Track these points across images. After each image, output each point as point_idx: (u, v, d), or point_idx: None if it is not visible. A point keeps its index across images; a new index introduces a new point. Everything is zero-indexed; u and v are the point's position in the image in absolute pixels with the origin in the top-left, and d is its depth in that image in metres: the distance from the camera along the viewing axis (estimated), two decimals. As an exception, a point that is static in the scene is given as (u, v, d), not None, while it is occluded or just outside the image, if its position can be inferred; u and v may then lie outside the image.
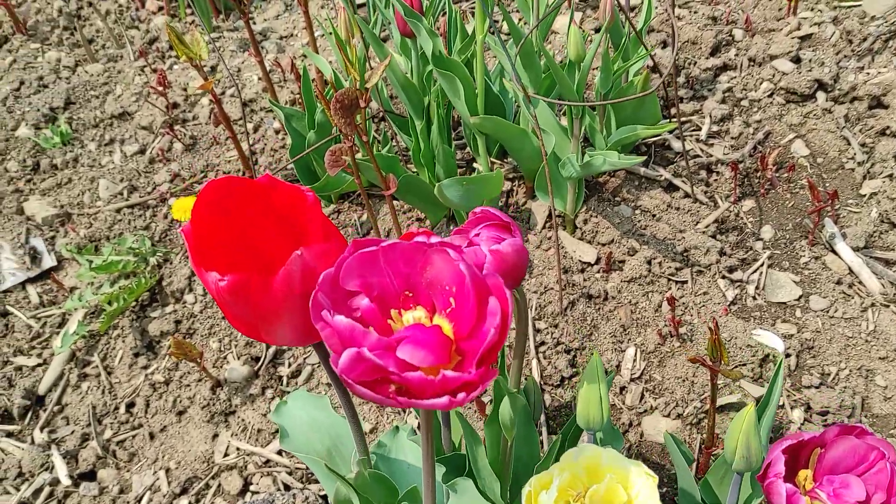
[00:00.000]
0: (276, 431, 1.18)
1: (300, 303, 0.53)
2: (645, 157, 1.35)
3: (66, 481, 1.20)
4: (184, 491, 1.16)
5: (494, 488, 0.70)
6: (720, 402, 1.07)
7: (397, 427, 0.90)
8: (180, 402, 1.23)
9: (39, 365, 1.33)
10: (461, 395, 0.40)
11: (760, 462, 0.68)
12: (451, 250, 0.43)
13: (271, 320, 0.52)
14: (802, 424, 1.05)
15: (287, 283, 0.49)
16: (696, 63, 1.50)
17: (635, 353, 1.13)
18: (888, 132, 1.30)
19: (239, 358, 1.25)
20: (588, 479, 0.57)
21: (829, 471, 0.53)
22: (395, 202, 1.38)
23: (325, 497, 1.11)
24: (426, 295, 0.45)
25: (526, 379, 0.75)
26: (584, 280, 1.22)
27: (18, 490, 1.17)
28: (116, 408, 1.27)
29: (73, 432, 1.26)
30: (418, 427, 1.04)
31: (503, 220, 0.61)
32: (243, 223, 0.53)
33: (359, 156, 1.23)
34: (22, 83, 1.88)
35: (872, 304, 1.13)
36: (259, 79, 1.73)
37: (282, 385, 1.23)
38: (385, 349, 0.41)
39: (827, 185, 1.28)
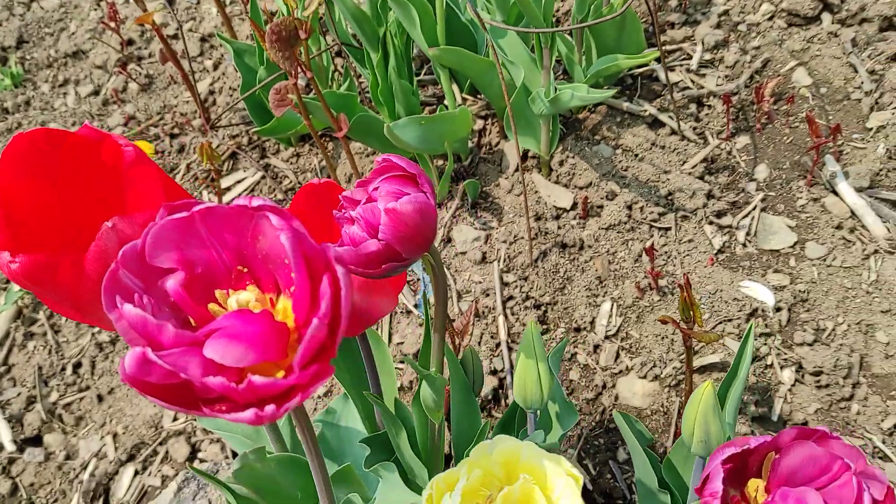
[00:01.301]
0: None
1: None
2: (617, 90, 1.22)
3: (10, 447, 1.13)
4: (130, 458, 1.09)
5: (423, 475, 0.61)
6: (701, 362, 0.97)
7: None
8: (127, 363, 1.15)
9: (-19, 324, 1.26)
10: (269, 409, 0.30)
11: (721, 443, 0.59)
12: (274, 215, 0.33)
13: (94, 309, 0.42)
14: (793, 385, 0.95)
15: (100, 262, 0.39)
16: (690, -16, 1.36)
17: (611, 308, 1.03)
18: (901, 57, 1.17)
19: (187, 316, 1.17)
20: (505, 477, 0.47)
21: (786, 481, 0.44)
22: (354, 144, 1.27)
23: (275, 465, 1.04)
24: (265, 271, 0.36)
25: (462, 350, 0.66)
26: (559, 228, 1.11)
27: (-45, 459, 1.11)
28: (63, 368, 1.20)
29: (18, 395, 1.19)
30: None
31: (408, 170, 0.50)
32: (59, 188, 0.43)
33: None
34: (-28, 21, 1.77)
35: (876, 251, 1.02)
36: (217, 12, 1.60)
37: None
38: (190, 345, 0.31)
39: (830, 118, 1.15)
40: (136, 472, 1.07)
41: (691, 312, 0.78)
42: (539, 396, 0.59)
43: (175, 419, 1.10)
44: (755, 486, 0.44)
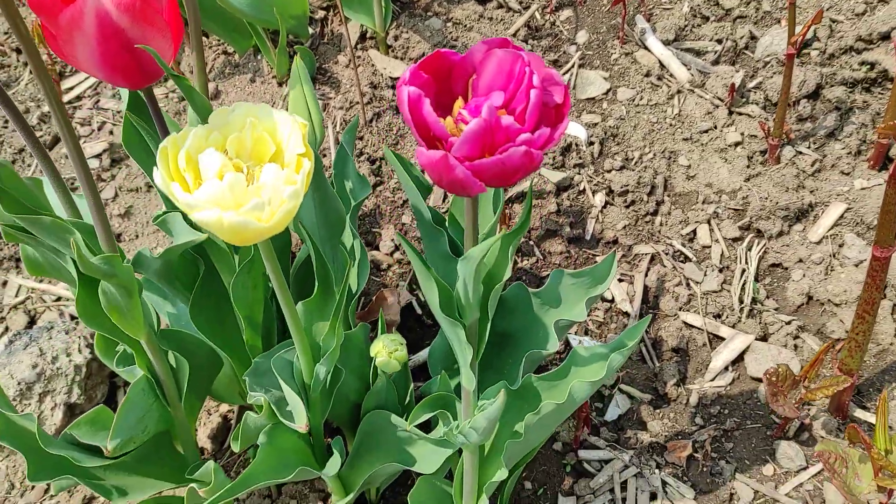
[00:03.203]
0: (70, 271, 1.10)
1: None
2: None
3: None
4: (-31, 338, 1.07)
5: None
6: (515, 190, 1.03)
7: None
8: (-34, 251, 1.14)
9: None
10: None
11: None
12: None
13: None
14: (604, 208, 1.02)
15: None
16: None
17: (440, 156, 1.08)
18: (704, -68, 1.26)
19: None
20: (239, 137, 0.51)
21: (483, 96, 0.48)
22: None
23: (116, 326, 1.04)
24: None
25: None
26: (393, 95, 1.16)
27: None
28: None
29: None
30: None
31: None
32: None
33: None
34: None
35: (679, 91, 1.10)
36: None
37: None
38: None
39: (643, -12, 1.24)
40: (-25, 350, 1.06)
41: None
42: (311, 128, 0.63)
43: (16, 296, 1.09)
44: (458, 105, 0.49)
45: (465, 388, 0.63)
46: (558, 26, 1.22)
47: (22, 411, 0.94)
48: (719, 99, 1.08)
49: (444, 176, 0.44)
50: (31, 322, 1.06)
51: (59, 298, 1.08)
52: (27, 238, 0.56)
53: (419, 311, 0.98)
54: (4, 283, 1.11)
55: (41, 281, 1.10)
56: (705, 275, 0.96)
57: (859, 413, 0.86)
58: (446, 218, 0.72)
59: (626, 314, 0.95)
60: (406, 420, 0.70)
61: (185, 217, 0.65)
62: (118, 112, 1.24)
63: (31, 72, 1.36)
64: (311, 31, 1.26)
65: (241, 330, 0.73)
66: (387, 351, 0.66)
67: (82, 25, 0.53)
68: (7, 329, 1.07)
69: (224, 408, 0.95)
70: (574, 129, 1.06)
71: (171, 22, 0.57)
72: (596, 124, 1.07)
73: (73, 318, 1.05)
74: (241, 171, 0.48)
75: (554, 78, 0.47)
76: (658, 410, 0.89)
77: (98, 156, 1.17)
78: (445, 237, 0.69)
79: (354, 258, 0.75)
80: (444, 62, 0.48)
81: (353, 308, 0.79)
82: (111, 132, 1.21)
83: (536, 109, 0.45)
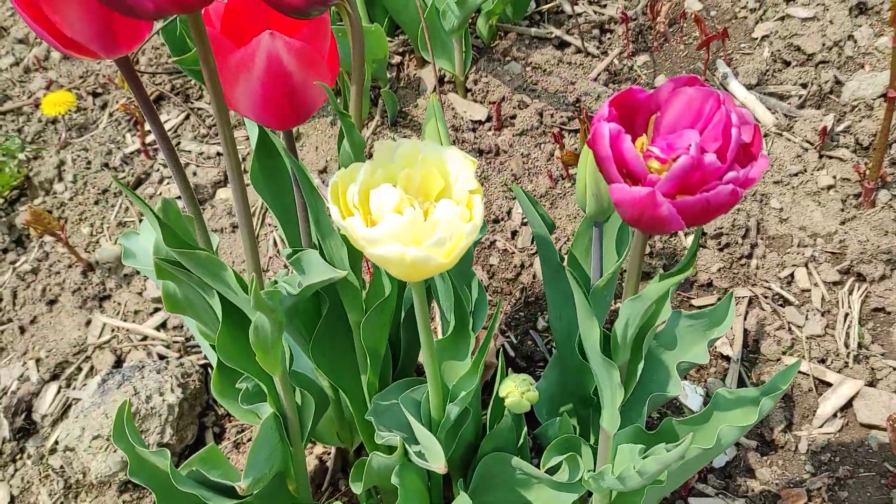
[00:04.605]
0: (155, 310, 1.10)
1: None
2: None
3: (-74, 381, 1.10)
4: (54, 377, 1.07)
5: (342, 256, 0.63)
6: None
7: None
8: (50, 290, 1.14)
9: None
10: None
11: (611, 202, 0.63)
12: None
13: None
14: (697, 250, 1.01)
15: None
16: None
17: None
18: (779, -20, 1.27)
19: (111, 239, 1.17)
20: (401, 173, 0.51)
21: (667, 134, 0.48)
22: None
23: (204, 366, 1.04)
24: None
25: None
26: (476, 137, 1.16)
27: None
28: (-18, 305, 1.18)
29: (-65, 334, 1.16)
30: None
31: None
32: None
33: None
34: None
35: (766, 135, 1.10)
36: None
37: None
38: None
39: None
40: (60, 388, 1.06)
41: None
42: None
43: (100, 336, 1.09)
44: (640, 143, 0.48)
45: (605, 431, 0.62)
46: (636, 70, 1.23)
47: (115, 451, 0.93)
48: (808, 142, 1.08)
49: (645, 213, 0.44)
50: (118, 361, 1.06)
51: (144, 338, 1.08)
52: (178, 273, 0.56)
53: (512, 354, 0.97)
54: (88, 323, 1.11)
55: (125, 320, 1.10)
56: (807, 319, 0.95)
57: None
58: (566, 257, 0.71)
59: (727, 358, 0.94)
60: (522, 461, 0.68)
61: (321, 253, 0.65)
62: (200, 153, 1.25)
63: (109, 115, 1.38)
64: (387, 74, 1.28)
65: (360, 369, 0.72)
66: (519, 391, 0.64)
67: (251, 67, 0.54)
68: (93, 368, 1.06)
69: (318, 449, 0.94)
70: (664, 172, 1.05)
71: (330, 64, 0.58)
72: (685, 167, 1.07)
73: (161, 357, 1.04)
74: (413, 206, 0.48)
75: (745, 117, 0.47)
76: (766, 457, 0.87)
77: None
78: (572, 275, 0.69)
79: (472, 297, 0.75)
80: (632, 99, 0.48)
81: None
82: (194, 173, 1.22)
83: (736, 148, 0.45)
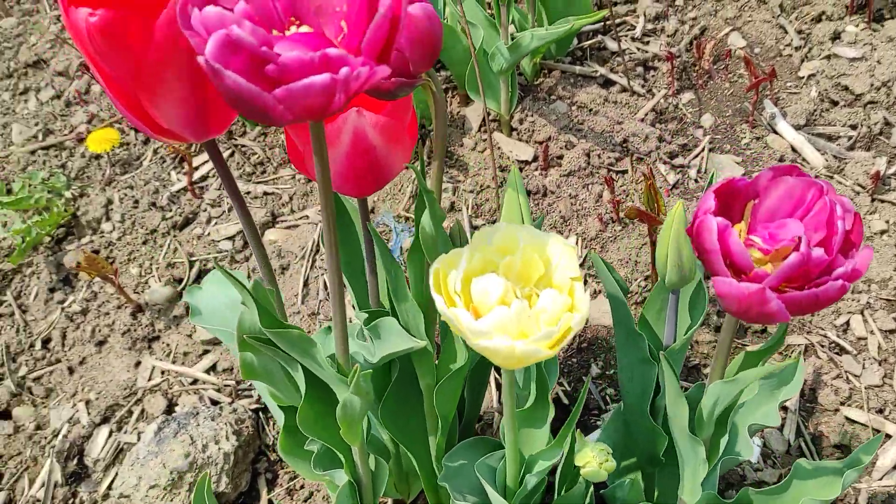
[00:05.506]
0: (204, 352, 1.11)
1: (188, 61, 0.46)
2: (574, 27, 1.30)
3: (-23, 422, 1.11)
4: (105, 420, 1.07)
5: (418, 322, 0.64)
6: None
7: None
8: (99, 331, 1.15)
9: (-54, 306, 1.24)
10: (344, 70, 0.34)
11: (694, 271, 0.63)
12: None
13: (153, 83, 0.45)
14: (787, 329, 1.00)
15: (169, 27, 0.42)
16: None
17: (577, 242, 1.08)
18: (824, 17, 1.27)
19: (160, 280, 1.17)
20: (501, 260, 0.51)
21: (766, 221, 0.48)
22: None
23: (255, 410, 1.04)
24: (315, 23, 0.39)
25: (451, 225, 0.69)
26: (523, 178, 1.16)
27: (-78, 429, 1.08)
28: (32, 345, 1.19)
29: (-15, 374, 1.17)
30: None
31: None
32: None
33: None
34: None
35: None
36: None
37: (207, 304, 1.15)
38: (261, 42, 0.35)
39: (766, 72, 1.24)
40: (111, 432, 1.06)
41: (655, 201, 0.83)
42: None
43: (150, 379, 1.10)
44: (738, 229, 0.48)
45: (683, 502, 0.61)
46: (681, 109, 1.23)
47: (171, 501, 0.93)
48: (860, 186, 1.07)
49: (753, 307, 0.44)
50: (170, 405, 1.06)
51: (195, 381, 1.08)
52: (264, 349, 0.56)
53: (566, 402, 0.97)
54: (138, 364, 1.12)
55: (174, 362, 1.10)
56: (864, 367, 0.94)
57: None
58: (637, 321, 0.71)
59: (784, 408, 0.93)
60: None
61: (397, 320, 0.65)
62: (247, 193, 1.26)
63: (154, 151, 1.39)
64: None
65: (429, 430, 0.72)
66: (598, 461, 0.64)
67: (336, 143, 0.54)
68: (144, 412, 1.07)
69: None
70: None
71: (411, 136, 0.58)
72: (736, 211, 1.07)
73: (213, 402, 1.05)
74: (517, 296, 0.48)
75: (846, 205, 0.47)
76: (827, 511, 0.86)
77: (231, 238, 1.18)
78: (646, 343, 0.68)
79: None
80: (732, 187, 0.48)
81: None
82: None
83: (841, 240, 0.45)
